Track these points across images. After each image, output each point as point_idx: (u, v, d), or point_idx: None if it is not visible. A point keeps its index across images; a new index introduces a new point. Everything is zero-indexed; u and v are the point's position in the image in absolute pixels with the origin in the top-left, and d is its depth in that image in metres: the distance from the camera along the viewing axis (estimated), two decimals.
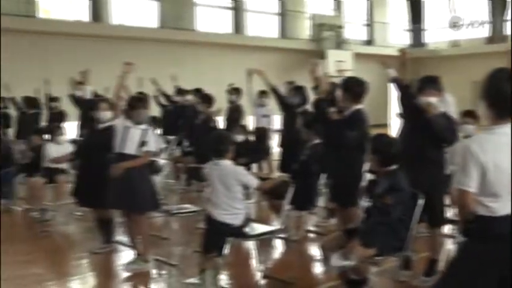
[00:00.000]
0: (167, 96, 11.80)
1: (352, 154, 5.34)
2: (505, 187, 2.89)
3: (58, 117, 11.03)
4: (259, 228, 5.24)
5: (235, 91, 10.44)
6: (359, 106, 5.36)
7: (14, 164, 8.69)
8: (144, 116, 5.65)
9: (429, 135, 4.90)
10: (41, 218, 7.44)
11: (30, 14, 18.44)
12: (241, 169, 4.97)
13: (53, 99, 11.83)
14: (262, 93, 10.13)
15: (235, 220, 4.85)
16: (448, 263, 3.32)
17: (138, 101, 5.74)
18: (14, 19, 17.86)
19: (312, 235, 7.03)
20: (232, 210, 4.83)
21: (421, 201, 4.44)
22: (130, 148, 5.50)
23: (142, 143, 5.51)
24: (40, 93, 12.19)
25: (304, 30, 25.75)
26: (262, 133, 9.95)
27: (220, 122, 9.71)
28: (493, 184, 2.89)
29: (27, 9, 18.36)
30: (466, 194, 2.91)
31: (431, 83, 5.06)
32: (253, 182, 4.93)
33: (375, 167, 4.49)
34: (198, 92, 10.45)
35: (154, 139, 5.66)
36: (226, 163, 4.87)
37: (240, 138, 7.81)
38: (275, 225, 5.67)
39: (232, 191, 4.83)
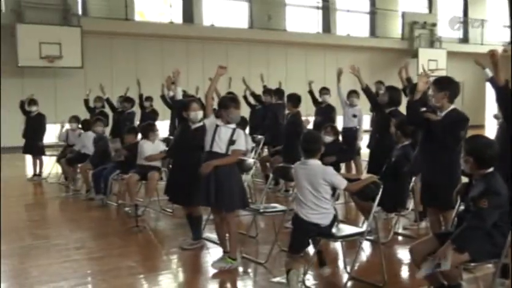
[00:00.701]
0: (256, 96, 11.86)
1: (449, 155, 5.19)
2: None
3: (151, 116, 11.34)
4: (346, 229, 5.17)
5: (325, 90, 10.38)
6: (453, 106, 5.19)
7: (110, 161, 9.04)
8: (235, 115, 5.67)
9: None
10: (134, 213, 7.66)
11: (124, 17, 19.02)
12: (330, 169, 4.91)
13: (146, 98, 12.20)
14: (352, 93, 9.98)
15: (323, 220, 4.81)
16: None
17: (230, 101, 5.77)
18: (110, 22, 18.55)
19: (400, 238, 6.87)
20: (319, 209, 4.79)
21: None
22: (220, 147, 5.55)
23: (232, 142, 5.55)
24: (133, 93, 12.54)
25: (395, 28, 25.22)
26: (350, 133, 9.81)
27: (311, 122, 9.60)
28: None
29: (119, 12, 18.90)
30: None
31: None
32: (342, 182, 4.86)
33: (471, 169, 4.30)
34: (280, 92, 10.53)
35: (244, 138, 5.68)
36: (315, 163, 4.84)
37: (329, 139, 7.73)
38: (363, 227, 5.57)
39: (320, 190, 4.78)
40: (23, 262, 6.09)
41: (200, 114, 6.27)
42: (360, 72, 8.54)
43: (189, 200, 6.20)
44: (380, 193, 5.07)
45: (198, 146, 6.06)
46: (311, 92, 10.78)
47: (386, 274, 5.14)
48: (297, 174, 4.89)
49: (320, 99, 10.40)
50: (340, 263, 5.68)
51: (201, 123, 6.14)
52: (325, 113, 10.06)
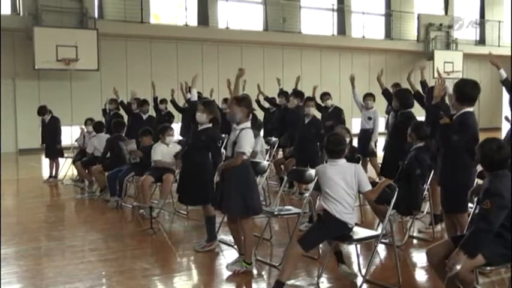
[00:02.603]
0: (270, 100, 11.84)
1: (462, 159, 5.14)
2: None
3: (166, 119, 11.36)
4: (361, 232, 5.14)
5: (326, 96, 10.47)
6: (469, 109, 5.15)
7: (125, 163, 9.07)
8: (232, 114, 5.61)
9: None
10: (148, 215, 7.68)
11: (139, 19, 19.12)
12: (361, 167, 4.97)
13: (161, 101, 12.23)
14: (368, 96, 10.01)
15: (352, 220, 4.85)
16: None
17: (231, 100, 5.80)
18: (125, 25, 18.64)
19: (415, 241, 6.82)
20: (350, 209, 4.81)
21: None
22: (230, 149, 5.56)
23: (234, 144, 5.51)
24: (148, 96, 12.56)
25: (411, 30, 25.11)
26: (366, 135, 9.83)
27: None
28: None
29: (134, 15, 18.98)
30: None
31: None
32: (368, 185, 4.90)
33: (484, 172, 4.27)
34: (298, 93, 10.49)
35: (248, 139, 5.56)
36: (345, 162, 4.87)
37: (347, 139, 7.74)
38: (378, 230, 5.54)
39: (354, 188, 4.81)
40: (39, 263, 6.13)
41: (204, 116, 6.24)
42: (380, 76, 8.52)
43: (193, 200, 6.28)
44: (395, 196, 5.05)
45: (203, 146, 6.09)
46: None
47: (401, 277, 5.11)
48: (327, 173, 4.83)
49: (323, 104, 10.42)
50: (355, 266, 5.65)
51: (207, 125, 6.16)
52: (334, 116, 10.06)
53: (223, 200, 5.55)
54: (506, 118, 8.00)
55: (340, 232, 4.84)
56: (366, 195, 5.18)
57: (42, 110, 11.80)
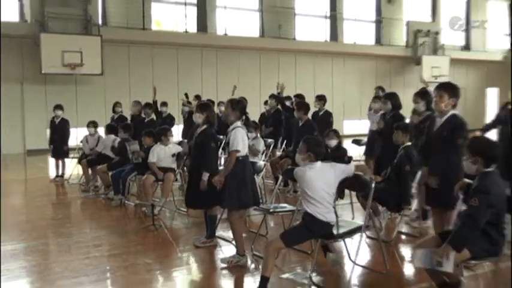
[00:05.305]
0: (267, 102, 11.88)
1: (448, 158, 5.17)
2: None
3: (168, 122, 11.37)
4: (345, 225, 5.16)
5: (320, 99, 10.50)
6: (454, 111, 5.19)
7: (129, 163, 9.08)
8: (225, 115, 5.77)
9: None
10: (150, 212, 7.70)
11: (141, 26, 19.13)
12: (334, 163, 4.95)
13: (162, 104, 12.23)
14: (375, 98, 10.19)
15: (333, 217, 4.78)
16: None
17: (226, 103, 5.92)
18: (128, 31, 18.66)
19: (404, 237, 6.86)
20: (331, 208, 4.76)
21: None
22: (227, 150, 5.64)
23: (227, 144, 5.61)
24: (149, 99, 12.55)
25: (400, 36, 25.19)
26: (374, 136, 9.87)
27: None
28: None
29: (136, 22, 19.00)
30: None
31: None
32: (350, 167, 4.94)
33: (477, 169, 4.25)
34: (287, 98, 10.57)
35: (239, 137, 5.58)
36: (322, 163, 4.79)
37: (333, 142, 7.79)
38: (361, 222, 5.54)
39: (333, 188, 4.78)
40: (46, 258, 6.16)
41: (197, 116, 6.28)
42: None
43: (192, 203, 6.35)
44: (372, 190, 5.07)
45: (200, 146, 6.12)
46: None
47: (390, 270, 5.16)
48: (306, 176, 4.72)
49: (316, 108, 10.45)
50: (345, 259, 5.69)
51: (203, 127, 6.21)
52: (324, 119, 10.09)
53: (222, 196, 5.63)
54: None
55: (324, 231, 4.80)
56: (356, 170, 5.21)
57: (58, 107, 11.80)
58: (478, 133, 7.84)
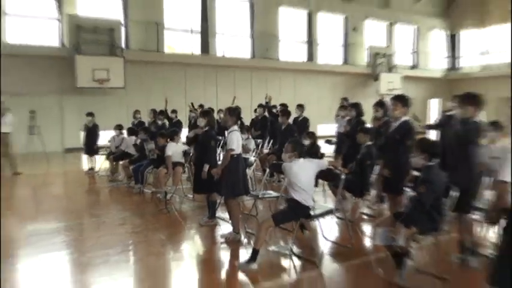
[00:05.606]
0: (256, 110, 11.89)
1: (398, 155, 5.20)
2: None
3: (177, 125, 11.36)
4: (319, 208, 5.20)
5: (300, 107, 10.51)
6: (406, 117, 5.21)
7: (146, 158, 9.08)
8: (223, 120, 5.85)
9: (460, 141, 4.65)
10: (163, 198, 7.68)
11: (156, 49, 19.08)
12: (315, 159, 5.02)
13: (172, 111, 12.22)
14: (342, 107, 10.18)
15: (311, 202, 4.85)
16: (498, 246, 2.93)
17: (224, 110, 5.97)
18: (145, 53, 18.64)
19: (365, 217, 6.90)
20: (311, 194, 4.82)
21: (454, 193, 4.25)
22: (224, 149, 5.69)
23: (225, 143, 5.65)
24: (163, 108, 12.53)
25: (362, 58, 25.24)
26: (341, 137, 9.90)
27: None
28: None
29: (152, 46, 18.96)
30: (506, 185, 2.75)
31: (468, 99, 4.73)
32: (324, 162, 5.00)
33: (423, 164, 4.29)
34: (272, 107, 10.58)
35: (234, 138, 5.61)
36: (302, 159, 4.84)
37: (307, 142, 7.83)
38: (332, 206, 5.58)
39: (313, 178, 4.83)
40: (81, 234, 6.15)
41: (201, 121, 6.32)
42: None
43: (205, 190, 6.30)
44: (343, 181, 5.11)
45: (203, 144, 6.12)
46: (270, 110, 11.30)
47: (354, 243, 5.19)
48: (293, 169, 4.76)
49: (296, 115, 10.45)
50: (319, 235, 5.71)
51: (205, 129, 6.21)
52: (302, 124, 10.11)
53: (221, 186, 5.65)
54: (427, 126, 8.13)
55: (305, 213, 4.87)
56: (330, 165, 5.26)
57: (90, 114, 11.75)
58: (423, 129, 7.93)
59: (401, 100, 5.23)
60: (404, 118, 5.20)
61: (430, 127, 7.84)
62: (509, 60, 25.84)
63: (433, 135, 8.31)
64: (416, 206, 4.14)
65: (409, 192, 4.82)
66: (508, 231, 2.79)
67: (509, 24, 25.74)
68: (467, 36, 28.65)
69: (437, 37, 28.98)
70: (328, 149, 10.38)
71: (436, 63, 28.67)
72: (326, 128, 21.86)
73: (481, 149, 4.80)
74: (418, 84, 27.07)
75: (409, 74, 26.29)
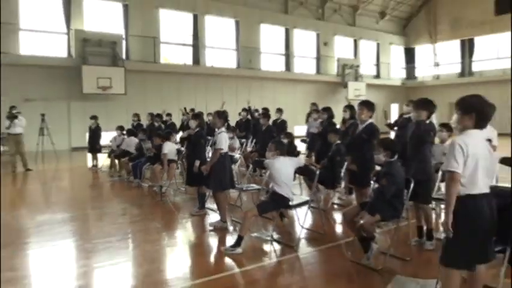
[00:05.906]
0: (241, 113, 11.83)
1: (363, 152, 5.19)
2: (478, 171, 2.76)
3: (171, 127, 11.25)
4: (296, 199, 5.17)
5: (279, 111, 10.48)
6: (371, 120, 5.21)
7: (144, 156, 8.94)
8: (212, 122, 5.76)
9: (417, 139, 4.65)
10: (159, 191, 7.57)
11: (153, 60, 18.89)
12: (295, 157, 5.01)
13: (168, 115, 12.09)
14: (314, 111, 10.12)
15: (291, 194, 4.82)
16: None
17: (213, 113, 5.91)
18: (143, 64, 18.44)
19: (336, 206, 6.90)
20: (290, 186, 4.79)
21: (412, 185, 4.25)
22: (212, 148, 5.62)
23: (214, 143, 5.58)
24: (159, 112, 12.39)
25: (333, 68, 25.37)
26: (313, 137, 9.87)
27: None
28: (468, 167, 2.76)
29: (150, 57, 18.80)
30: (455, 175, 2.76)
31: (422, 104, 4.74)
32: (301, 160, 4.96)
33: (385, 160, 4.29)
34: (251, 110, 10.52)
35: (222, 139, 5.54)
36: (283, 157, 4.83)
37: (285, 141, 7.78)
38: (308, 197, 5.56)
39: (292, 173, 4.82)
40: (85, 224, 6.01)
41: (192, 122, 6.23)
42: None
43: (194, 182, 6.23)
44: (317, 175, 5.08)
45: (194, 143, 6.03)
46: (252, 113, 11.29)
47: (327, 229, 5.16)
48: (275, 165, 4.75)
49: (276, 117, 10.39)
50: (295, 223, 5.68)
51: (196, 129, 6.13)
52: (281, 125, 10.08)
53: (209, 181, 5.58)
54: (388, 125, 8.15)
55: (285, 204, 4.85)
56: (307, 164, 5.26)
57: (94, 117, 11.55)
58: (387, 126, 7.96)
59: (367, 105, 5.22)
60: (370, 120, 5.19)
61: (390, 126, 7.90)
62: (459, 71, 26.43)
63: (392, 135, 8.34)
64: (379, 196, 4.14)
65: (373, 184, 4.82)
66: (456, 216, 2.80)
67: (459, 41, 26.25)
68: (422, 50, 29.11)
69: (396, 51, 29.35)
70: (302, 147, 10.41)
71: (395, 73, 29.03)
72: (301, 129, 21.92)
73: (435, 147, 4.83)
74: (380, 91, 27.34)
75: (373, 82, 26.55)
